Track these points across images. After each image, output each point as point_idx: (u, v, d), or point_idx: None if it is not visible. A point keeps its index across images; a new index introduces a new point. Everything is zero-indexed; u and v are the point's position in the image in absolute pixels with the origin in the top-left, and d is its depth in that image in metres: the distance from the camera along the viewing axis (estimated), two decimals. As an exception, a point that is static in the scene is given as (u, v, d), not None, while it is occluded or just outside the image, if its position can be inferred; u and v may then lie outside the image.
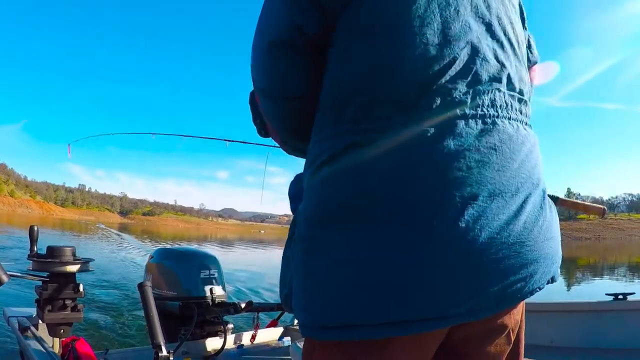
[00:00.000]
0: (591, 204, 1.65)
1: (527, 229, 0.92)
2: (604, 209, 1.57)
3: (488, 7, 1.01)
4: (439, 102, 0.91)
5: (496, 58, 0.99)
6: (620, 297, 3.34)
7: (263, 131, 1.31)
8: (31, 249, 3.10)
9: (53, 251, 2.99)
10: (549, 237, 0.98)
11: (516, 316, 1.06)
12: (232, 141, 4.57)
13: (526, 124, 1.04)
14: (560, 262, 1.04)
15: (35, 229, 3.22)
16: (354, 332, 0.87)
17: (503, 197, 0.90)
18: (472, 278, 0.87)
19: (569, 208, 1.70)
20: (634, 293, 3.35)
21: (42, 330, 2.94)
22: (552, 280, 1.00)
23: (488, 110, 0.95)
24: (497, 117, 0.96)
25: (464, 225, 0.85)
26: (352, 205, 0.90)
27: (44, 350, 2.62)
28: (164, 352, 2.23)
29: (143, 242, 36.09)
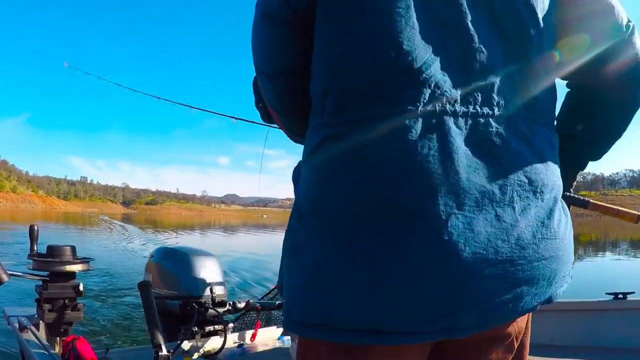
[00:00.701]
0: (625, 209, 1.58)
1: (520, 245, 0.83)
2: (638, 215, 1.49)
3: None
4: (426, 95, 0.83)
5: (495, 47, 0.89)
6: (620, 296, 3.31)
7: (266, 116, 1.29)
8: (31, 248, 3.09)
9: (53, 250, 2.99)
10: (549, 255, 0.88)
11: (520, 324, 0.99)
12: (239, 119, 4.55)
13: (534, 121, 0.93)
14: (563, 282, 0.95)
15: (36, 228, 3.21)
16: (330, 333, 0.85)
17: (493, 207, 0.83)
18: (450, 295, 0.81)
19: (601, 213, 1.63)
20: (634, 292, 3.35)
21: (42, 330, 2.93)
22: (549, 300, 0.92)
23: (482, 109, 0.86)
24: (492, 116, 0.86)
25: (446, 237, 0.79)
26: (327, 203, 0.87)
27: (44, 350, 2.60)
28: (164, 352, 2.24)
29: (146, 232, 36.21)
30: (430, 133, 0.82)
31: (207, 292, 3.13)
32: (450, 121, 0.83)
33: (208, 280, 3.21)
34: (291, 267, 0.93)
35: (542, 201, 0.88)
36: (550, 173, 0.92)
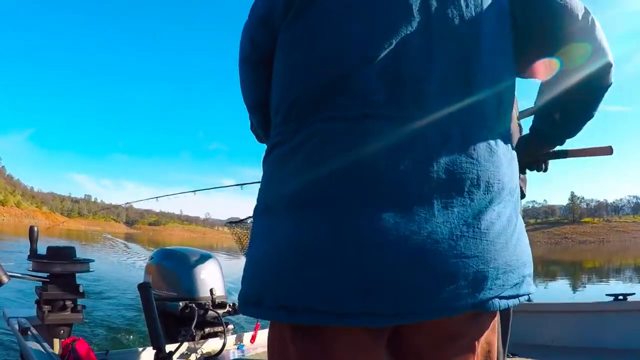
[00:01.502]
0: (596, 146, 1.63)
1: (433, 239, 0.86)
2: (610, 147, 1.54)
3: None
4: (353, 101, 0.92)
5: (430, 55, 0.95)
6: (621, 297, 3.35)
7: (258, 138, 1.44)
8: (31, 250, 3.10)
9: (53, 252, 3.00)
10: (471, 255, 0.88)
11: (479, 325, 1.01)
12: (247, 184, 4.92)
13: (471, 124, 0.96)
14: (503, 291, 0.93)
15: (35, 229, 3.22)
16: (259, 310, 0.95)
17: (410, 202, 0.88)
18: (363, 280, 0.85)
19: (580, 156, 1.67)
20: (634, 294, 3.38)
21: (42, 331, 2.92)
22: (481, 306, 0.91)
23: (408, 112, 0.92)
24: (419, 118, 0.92)
25: (357, 225, 0.86)
26: (267, 199, 1.01)
27: (44, 351, 2.60)
28: (164, 353, 2.23)
29: (149, 250, 36.24)
30: (353, 134, 0.91)
31: (207, 293, 3.15)
32: (374, 123, 0.91)
33: (208, 282, 3.23)
34: (247, 254, 1.04)
35: (471, 201, 0.91)
36: (486, 176, 0.94)
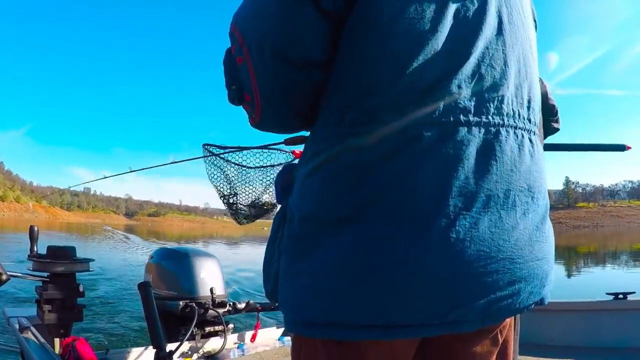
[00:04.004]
0: (610, 144, 1.59)
1: (517, 246, 0.90)
2: (624, 145, 1.50)
3: (500, 6, 0.96)
4: (441, 107, 0.87)
5: (506, 63, 0.95)
6: (621, 296, 3.37)
7: (237, 99, 1.08)
8: (31, 249, 3.12)
9: (53, 251, 3.01)
10: (540, 257, 0.95)
11: (505, 321, 1.04)
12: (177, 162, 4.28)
13: (534, 133, 0.99)
14: (551, 285, 1.01)
15: (35, 228, 3.24)
16: (338, 331, 0.88)
17: (498, 210, 0.88)
18: (456, 290, 0.85)
19: (590, 150, 1.65)
20: (634, 292, 3.41)
21: (43, 331, 2.93)
22: (542, 302, 0.98)
23: (493, 119, 0.91)
24: (502, 125, 0.92)
25: (454, 236, 0.84)
26: (345, 208, 0.89)
27: (45, 351, 2.61)
28: (165, 352, 2.23)
29: (149, 241, 36.39)
30: (445, 141, 0.86)
31: (207, 292, 3.16)
32: (463, 130, 0.88)
33: (208, 281, 3.24)
34: (297, 270, 0.93)
35: (538, 206, 0.95)
36: (544, 181, 0.99)
